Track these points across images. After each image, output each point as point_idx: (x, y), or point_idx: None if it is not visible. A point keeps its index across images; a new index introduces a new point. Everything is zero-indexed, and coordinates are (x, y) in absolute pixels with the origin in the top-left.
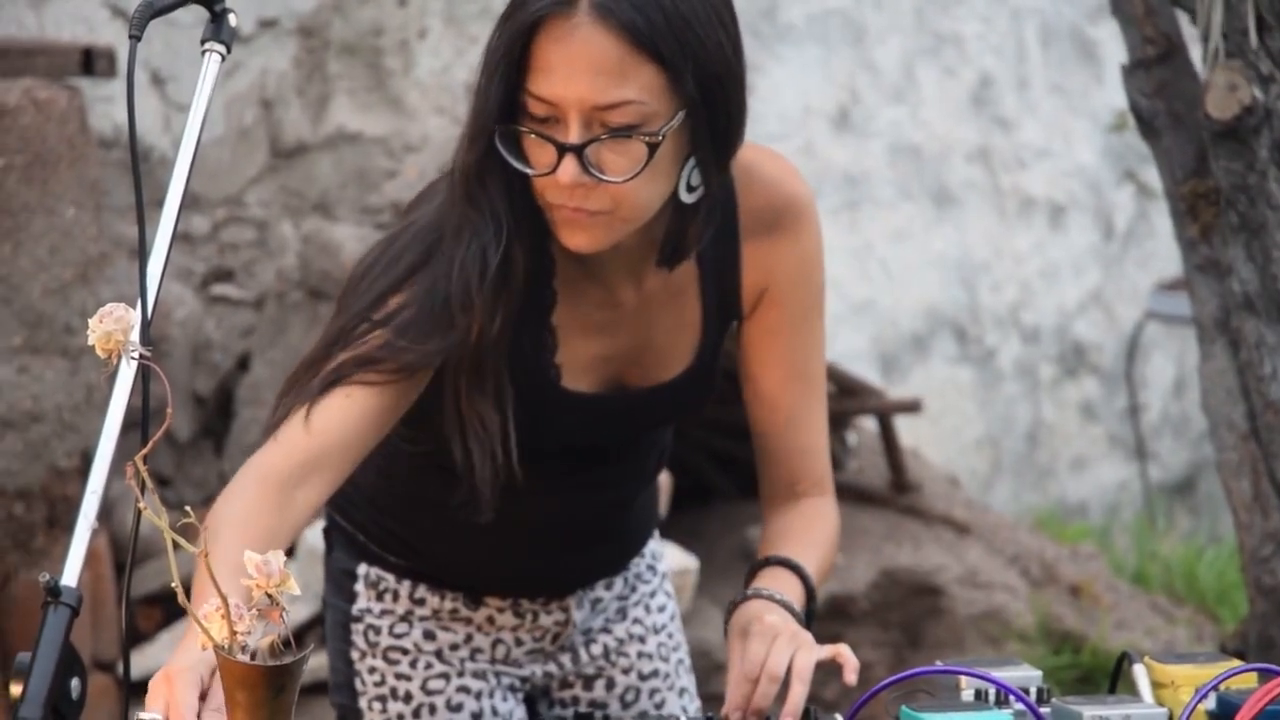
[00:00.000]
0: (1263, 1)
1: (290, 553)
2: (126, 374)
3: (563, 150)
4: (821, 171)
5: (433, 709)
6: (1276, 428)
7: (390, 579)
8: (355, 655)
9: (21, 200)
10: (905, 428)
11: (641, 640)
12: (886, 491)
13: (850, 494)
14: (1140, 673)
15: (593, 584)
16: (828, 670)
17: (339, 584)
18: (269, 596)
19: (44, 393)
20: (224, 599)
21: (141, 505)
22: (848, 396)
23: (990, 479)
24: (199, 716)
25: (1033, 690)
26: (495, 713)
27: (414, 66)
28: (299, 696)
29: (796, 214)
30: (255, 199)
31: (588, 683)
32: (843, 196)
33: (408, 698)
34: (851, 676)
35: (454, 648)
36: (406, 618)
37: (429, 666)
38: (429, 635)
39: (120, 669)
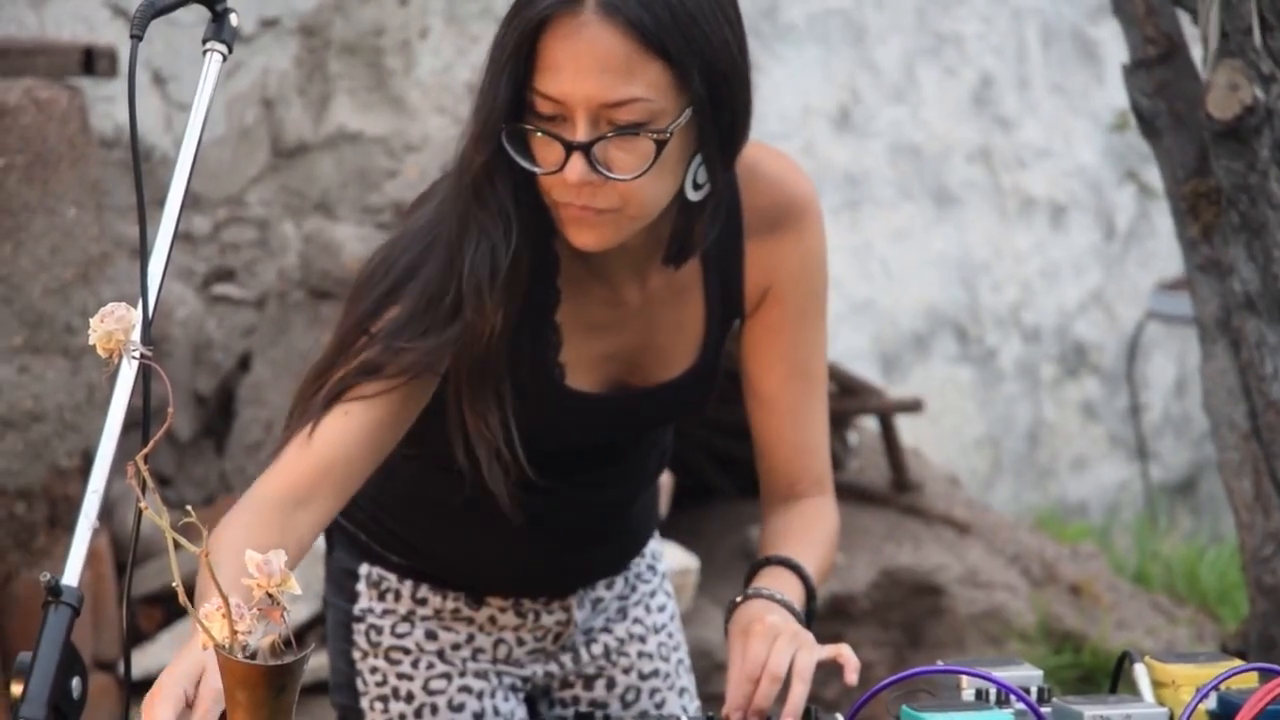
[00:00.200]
0: (1264, 1)
1: None
2: (127, 373)
3: (570, 148)
4: (822, 171)
5: (434, 709)
6: (1277, 427)
7: (392, 579)
8: (357, 655)
9: (22, 200)
10: (906, 427)
11: (642, 640)
12: (887, 491)
13: (851, 493)
14: (1141, 672)
15: (594, 584)
16: (828, 670)
17: (340, 584)
18: (270, 596)
19: (45, 392)
20: (225, 599)
21: (142, 505)
22: (848, 396)
23: (991, 479)
24: None
25: (1033, 690)
26: (497, 713)
27: (415, 66)
28: (299, 696)
29: (800, 212)
30: (256, 199)
31: (588, 682)
32: (843, 196)
33: (409, 698)
34: (852, 676)
35: (456, 647)
36: (408, 617)
37: (431, 666)
38: (431, 635)
39: (121, 668)
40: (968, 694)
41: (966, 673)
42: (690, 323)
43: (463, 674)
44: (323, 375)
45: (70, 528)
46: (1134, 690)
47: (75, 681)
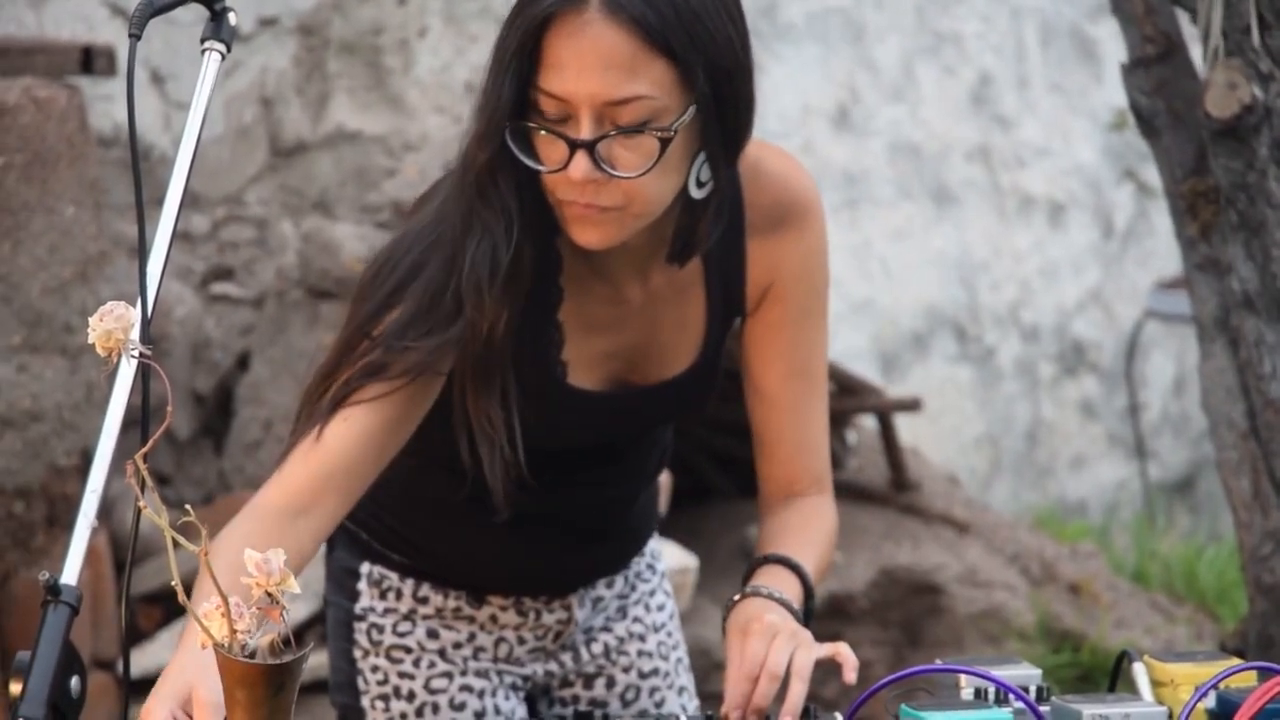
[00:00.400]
0: (1262, 0)
1: None
2: (126, 372)
3: (574, 146)
4: (821, 170)
5: (435, 708)
6: (1276, 426)
7: (393, 577)
8: (358, 654)
9: (21, 199)
10: (905, 426)
11: (641, 639)
12: (886, 490)
13: (850, 493)
14: (1140, 671)
15: (594, 582)
16: (827, 669)
17: (341, 582)
18: (269, 595)
19: (44, 391)
20: (224, 599)
21: (141, 504)
22: (847, 395)
23: (990, 478)
24: None
25: (1032, 689)
26: (498, 711)
27: (414, 65)
28: (299, 695)
29: (803, 211)
30: (255, 197)
31: (588, 681)
32: (842, 195)
33: (410, 696)
34: (851, 675)
35: (457, 646)
36: (410, 616)
37: (432, 665)
38: (432, 634)
39: (120, 667)
40: (967, 693)
41: (965, 672)
42: (692, 321)
43: (464, 673)
44: (327, 379)
45: (69, 527)
46: (1133, 689)
47: (74, 680)
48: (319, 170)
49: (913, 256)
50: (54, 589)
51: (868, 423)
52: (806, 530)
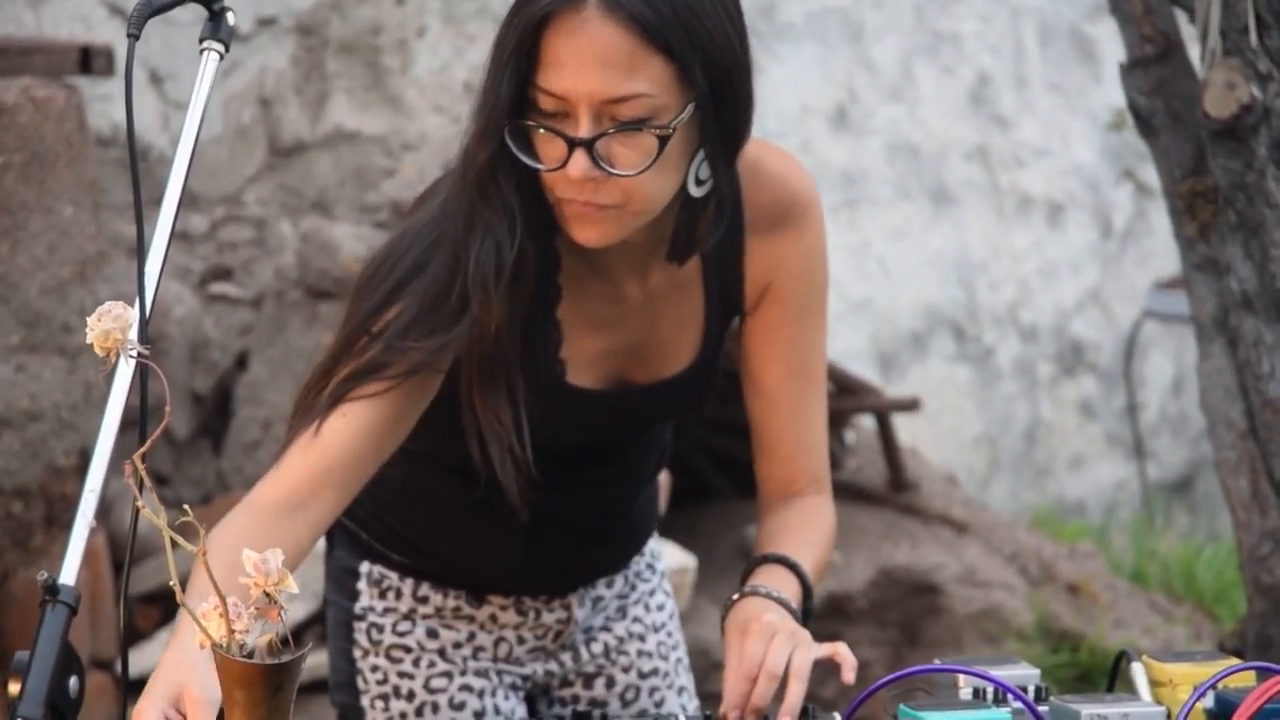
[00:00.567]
0: (1260, 0)
1: None
2: (125, 372)
3: (573, 145)
4: (819, 170)
5: (435, 707)
6: (1274, 426)
7: (393, 577)
8: (357, 654)
9: (20, 199)
10: (903, 426)
11: (641, 639)
12: (885, 490)
13: (848, 492)
14: (1138, 671)
15: (594, 582)
16: (826, 669)
17: (340, 582)
18: (267, 595)
19: (42, 391)
20: (222, 599)
21: (140, 504)
22: (846, 395)
23: (988, 477)
24: None
25: (1031, 689)
26: (497, 711)
27: (412, 65)
28: (298, 695)
29: (802, 210)
30: (253, 197)
31: (588, 681)
32: (841, 195)
33: (410, 696)
34: (849, 675)
35: (457, 646)
36: (410, 616)
37: (432, 665)
38: (432, 633)
39: (119, 667)
40: (965, 693)
41: (964, 671)
42: (690, 319)
43: (463, 672)
44: (326, 376)
45: (67, 527)
46: (1131, 689)
47: (73, 680)
48: (317, 170)
49: (911, 256)
50: (52, 589)
51: (866, 423)
52: (805, 530)
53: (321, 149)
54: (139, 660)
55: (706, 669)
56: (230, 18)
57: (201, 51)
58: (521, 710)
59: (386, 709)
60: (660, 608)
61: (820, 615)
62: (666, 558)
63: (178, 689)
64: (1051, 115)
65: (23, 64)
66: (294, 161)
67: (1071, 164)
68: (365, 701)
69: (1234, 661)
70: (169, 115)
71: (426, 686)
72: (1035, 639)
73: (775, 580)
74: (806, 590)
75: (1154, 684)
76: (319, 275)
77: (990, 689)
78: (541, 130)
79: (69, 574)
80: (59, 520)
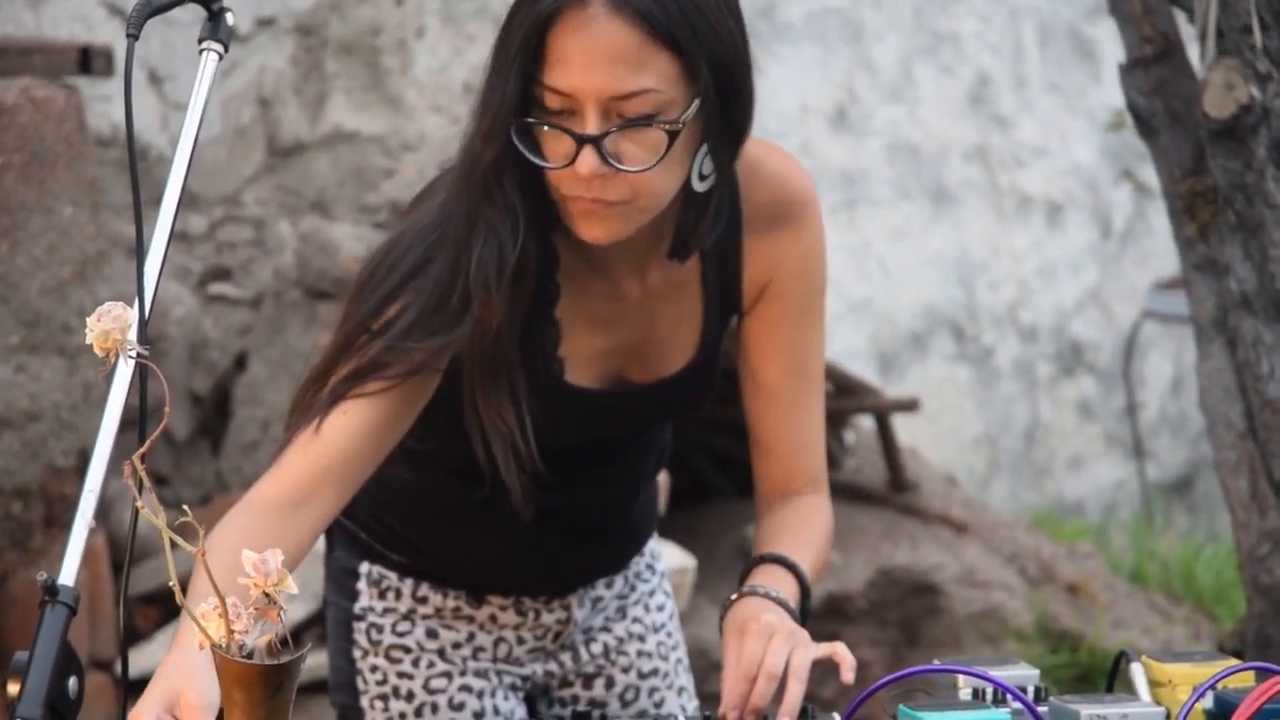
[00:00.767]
0: (1260, 0)
1: None
2: (124, 373)
3: (581, 142)
4: (819, 170)
5: (435, 708)
6: (1274, 426)
7: (393, 577)
8: (357, 654)
9: (19, 199)
10: (903, 426)
11: (641, 639)
12: (884, 490)
13: (848, 493)
14: (1138, 671)
15: (594, 582)
16: (825, 669)
17: (340, 582)
18: (266, 595)
19: (41, 391)
20: (221, 598)
21: (139, 504)
22: (845, 395)
23: (988, 478)
24: None
25: (1030, 689)
26: (497, 712)
27: (411, 65)
28: (297, 695)
29: (800, 209)
30: (253, 198)
31: (587, 681)
32: (840, 195)
33: (410, 696)
34: (849, 675)
35: (456, 646)
36: (409, 616)
37: (431, 665)
38: (431, 634)
39: (118, 668)
40: (964, 693)
41: (963, 672)
42: (689, 318)
43: (463, 673)
44: (325, 374)
45: (67, 527)
46: (1131, 689)
47: (72, 681)
48: (317, 170)
49: (911, 256)
50: (52, 589)
51: (866, 423)
52: (803, 529)
53: (321, 149)
54: (138, 661)
55: (706, 669)
56: (229, 18)
57: (201, 52)
58: (521, 711)
59: (386, 709)
60: (660, 608)
61: (820, 615)
62: (666, 558)
63: (175, 693)
64: (1051, 115)
65: (22, 64)
66: (293, 162)
67: (1071, 164)
68: (365, 702)
69: (1233, 662)
70: (168, 115)
71: (426, 687)
72: (1035, 639)
73: (773, 580)
74: (805, 590)
75: (1153, 684)
76: (318, 275)
77: (990, 689)
78: (546, 128)
79: (68, 574)
80: (58, 520)
